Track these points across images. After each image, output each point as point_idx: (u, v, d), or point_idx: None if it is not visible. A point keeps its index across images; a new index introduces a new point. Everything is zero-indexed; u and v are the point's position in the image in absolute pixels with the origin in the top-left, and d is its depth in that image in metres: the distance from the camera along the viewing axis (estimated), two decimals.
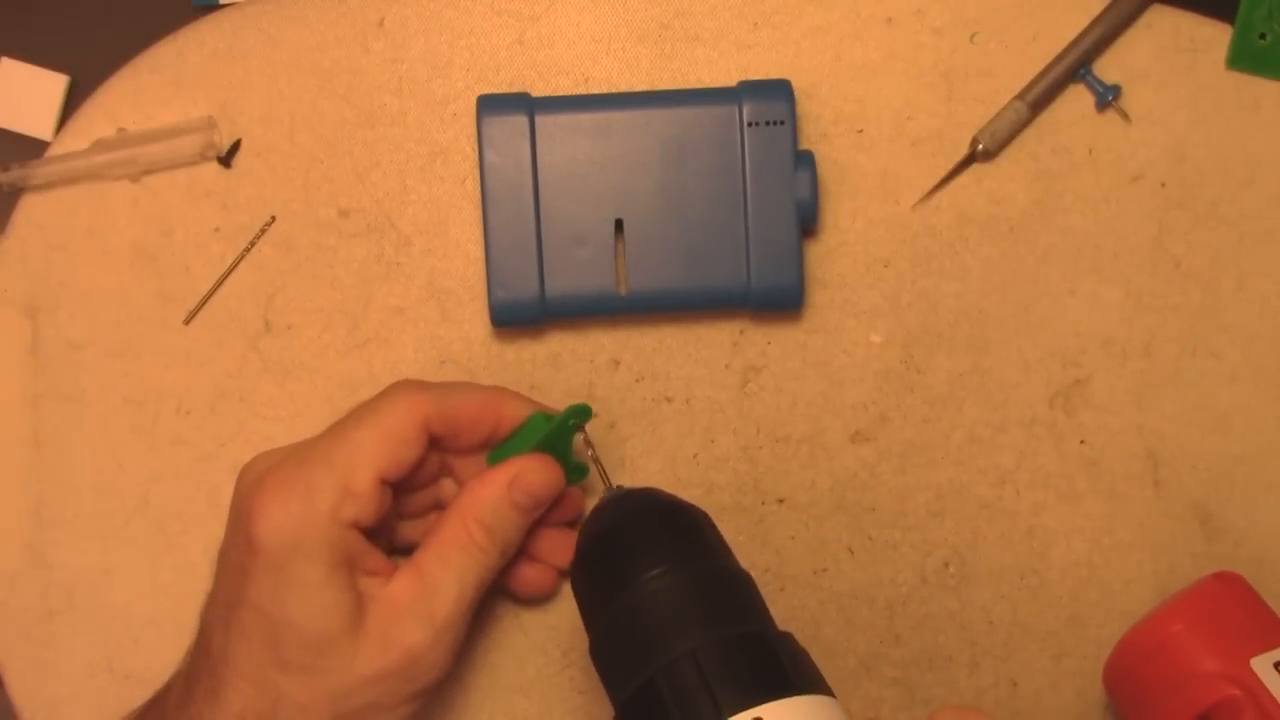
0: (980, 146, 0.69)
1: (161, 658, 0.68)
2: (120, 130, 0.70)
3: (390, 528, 0.65)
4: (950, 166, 0.70)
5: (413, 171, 0.70)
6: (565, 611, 0.69)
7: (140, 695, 0.64)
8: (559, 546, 0.66)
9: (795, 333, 0.70)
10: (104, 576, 0.69)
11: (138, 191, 0.70)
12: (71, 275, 0.70)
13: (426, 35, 0.70)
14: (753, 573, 0.57)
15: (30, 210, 0.70)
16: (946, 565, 0.69)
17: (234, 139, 0.70)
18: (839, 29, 0.70)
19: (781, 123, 0.67)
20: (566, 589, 0.68)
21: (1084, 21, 0.70)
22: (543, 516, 0.64)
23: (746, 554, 0.69)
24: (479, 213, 0.69)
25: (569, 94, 0.70)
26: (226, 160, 0.70)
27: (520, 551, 0.65)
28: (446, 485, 0.66)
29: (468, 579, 0.61)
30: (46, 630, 0.69)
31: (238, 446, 0.69)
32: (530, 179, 0.67)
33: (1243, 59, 0.70)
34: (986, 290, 0.70)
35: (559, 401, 0.65)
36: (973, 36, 0.70)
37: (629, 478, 0.69)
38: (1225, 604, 0.64)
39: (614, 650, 0.55)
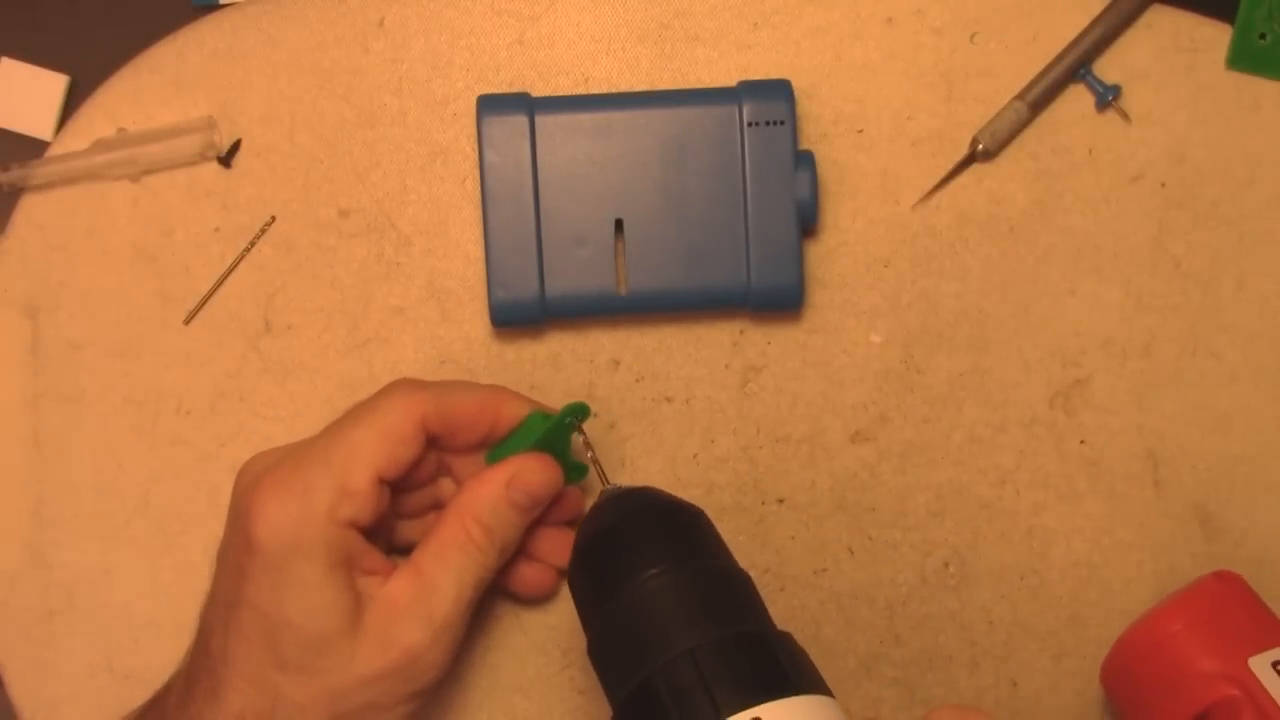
0: (980, 146, 0.69)
1: (161, 658, 0.68)
2: (120, 130, 0.70)
3: (389, 527, 0.65)
4: (950, 166, 0.70)
5: (413, 171, 0.70)
6: (565, 611, 0.69)
7: (140, 695, 0.64)
8: (558, 546, 0.66)
9: (795, 333, 0.70)
10: (104, 576, 0.69)
11: (138, 191, 0.70)
12: (71, 275, 0.70)
13: (426, 35, 0.70)
14: (753, 573, 0.57)
15: (30, 210, 0.70)
16: (946, 565, 0.69)
17: (234, 139, 0.70)
18: (839, 29, 0.70)
19: (781, 123, 0.67)
20: (566, 588, 0.68)
21: (1084, 21, 0.70)
22: (542, 516, 0.64)
23: (746, 554, 0.69)
24: (479, 213, 0.69)
25: (569, 94, 0.70)
26: (226, 160, 0.70)
27: (519, 551, 0.65)
28: (445, 485, 0.66)
29: (466, 578, 0.61)
30: (46, 630, 0.69)
31: (238, 446, 0.69)
32: (530, 179, 0.67)
33: (1243, 59, 0.70)
34: (986, 290, 0.70)
35: (559, 402, 0.65)
36: (973, 36, 0.70)
37: (629, 478, 0.69)
38: (1224, 603, 0.64)
39: (612, 650, 0.55)
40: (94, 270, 0.70)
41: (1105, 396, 0.70)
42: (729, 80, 0.69)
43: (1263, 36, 0.69)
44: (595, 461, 0.63)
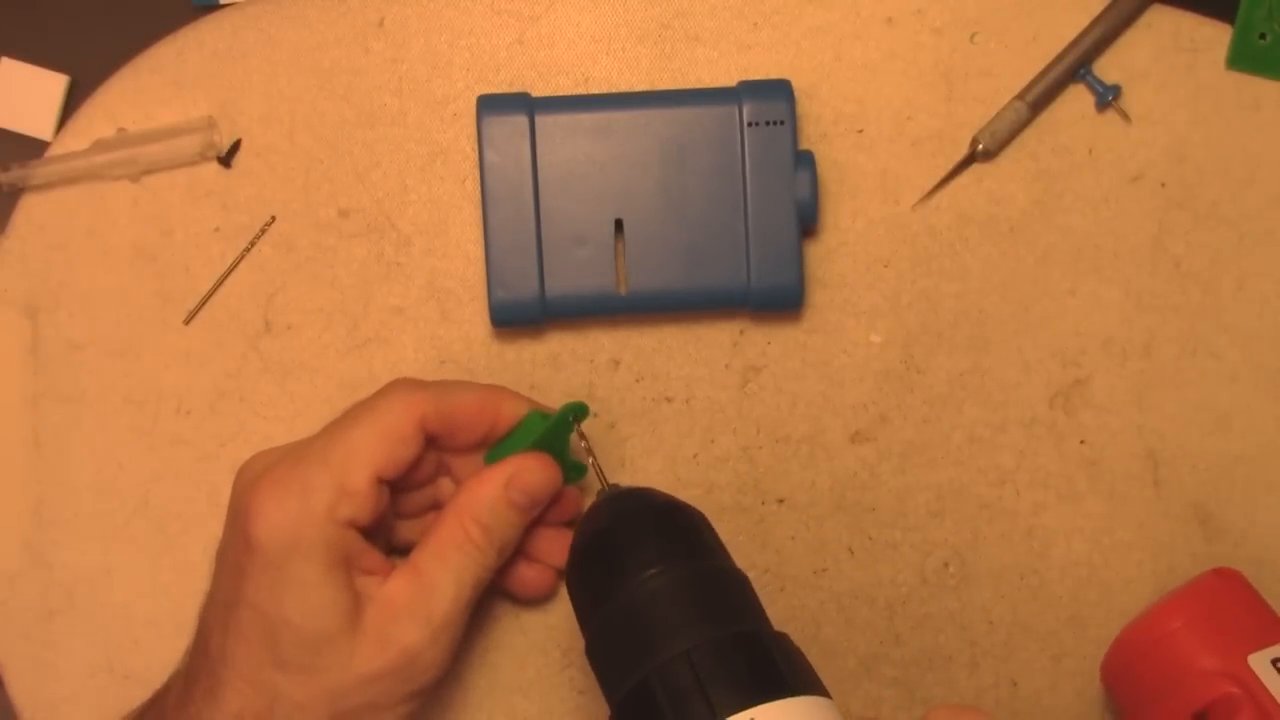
0: (980, 146, 0.69)
1: (161, 658, 0.68)
2: (120, 130, 0.70)
3: (388, 527, 0.65)
4: (950, 166, 0.70)
5: (413, 171, 0.70)
6: (564, 611, 0.69)
7: (140, 695, 0.64)
8: (557, 546, 0.66)
9: (795, 333, 0.70)
10: (104, 576, 0.69)
11: (138, 191, 0.70)
12: (71, 275, 0.70)
13: (426, 35, 0.70)
14: (752, 573, 0.57)
15: (30, 210, 0.70)
16: (946, 565, 0.69)
17: (234, 139, 0.70)
18: (839, 29, 0.70)
19: (781, 123, 0.67)
20: (565, 588, 0.68)
21: (1084, 21, 0.70)
22: (540, 516, 0.64)
23: (746, 554, 0.69)
24: (479, 213, 0.69)
25: (569, 94, 0.70)
26: (226, 160, 0.70)
27: (518, 552, 0.65)
28: (444, 485, 0.66)
29: (465, 578, 0.61)
30: (46, 630, 0.69)
31: (238, 446, 0.69)
32: (530, 179, 0.67)
33: (1243, 59, 0.70)
34: (986, 290, 0.70)
35: (559, 402, 0.65)
36: (973, 36, 0.70)
37: (629, 478, 0.69)
38: (1223, 600, 0.64)
39: (609, 650, 0.55)
40: (94, 270, 0.70)
41: (1105, 396, 0.70)
42: (729, 80, 0.69)
43: (1263, 36, 0.69)
44: (594, 461, 0.63)
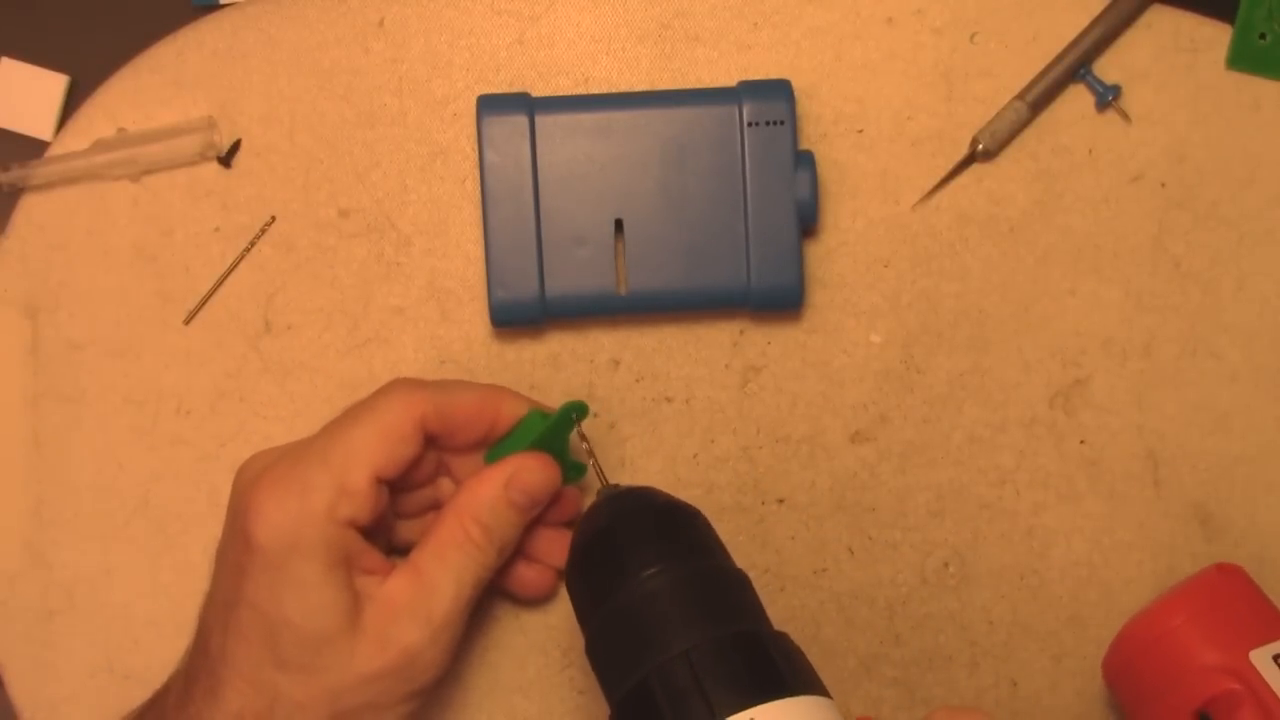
0: (980, 146, 0.69)
1: (161, 658, 0.68)
2: (120, 130, 0.70)
3: (388, 527, 0.65)
4: (950, 166, 0.70)
5: (413, 171, 0.70)
6: (564, 611, 0.69)
7: (140, 695, 0.64)
8: (557, 546, 0.66)
9: (795, 333, 0.70)
10: (104, 576, 0.69)
11: (138, 191, 0.70)
12: (71, 275, 0.70)
13: (426, 35, 0.70)
14: (752, 573, 0.57)
15: (30, 210, 0.70)
16: (946, 565, 0.69)
17: (234, 139, 0.70)
18: (839, 29, 0.70)
19: (781, 123, 0.67)
20: (565, 588, 0.68)
21: (1084, 21, 0.70)
22: (540, 516, 0.64)
23: (746, 554, 0.69)
24: (479, 213, 0.69)
25: (569, 94, 0.70)
26: (226, 160, 0.70)
27: (518, 552, 0.65)
28: (444, 485, 0.66)
29: (465, 578, 0.61)
30: (46, 630, 0.69)
31: (238, 446, 0.69)
32: (530, 179, 0.67)
33: (1243, 59, 0.70)
34: (986, 290, 0.70)
35: (559, 402, 0.65)
36: (973, 36, 0.70)
37: (629, 478, 0.69)
38: (1225, 596, 0.64)
39: (609, 650, 0.55)
40: (94, 270, 0.70)
41: (1105, 396, 0.70)
42: (729, 80, 0.69)
43: (1263, 36, 0.69)
44: (593, 460, 0.63)
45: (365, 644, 0.59)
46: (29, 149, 0.71)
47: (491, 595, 0.68)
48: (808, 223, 0.68)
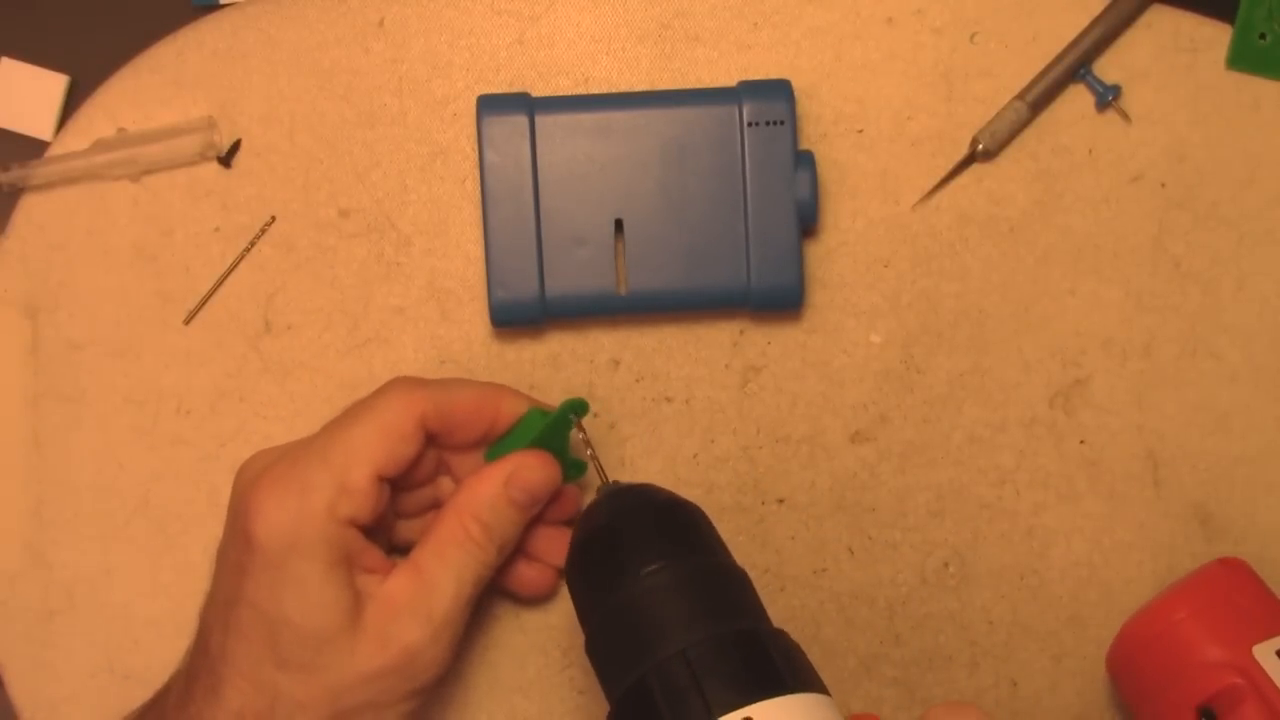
0: (980, 146, 0.69)
1: (161, 658, 0.68)
2: (120, 130, 0.70)
3: (389, 526, 0.65)
4: (950, 166, 0.70)
5: (413, 171, 0.70)
6: (565, 611, 0.69)
7: (140, 695, 0.64)
8: (557, 545, 0.66)
9: (795, 333, 0.70)
10: (104, 576, 0.69)
11: (138, 191, 0.70)
12: (71, 275, 0.70)
13: (426, 35, 0.70)
14: (752, 573, 0.57)
15: (30, 210, 0.70)
16: (946, 565, 0.69)
17: (234, 139, 0.70)
18: (839, 29, 0.70)
19: (781, 123, 0.67)
20: (565, 587, 0.68)
21: (1084, 21, 0.70)
22: (540, 514, 0.64)
23: (746, 554, 0.69)
24: (479, 213, 0.69)
25: (569, 94, 0.70)
26: (226, 160, 0.70)
27: (518, 550, 0.65)
28: (445, 484, 0.66)
29: (465, 576, 0.61)
30: (46, 630, 0.69)
31: (238, 446, 0.69)
32: (530, 179, 0.67)
33: (1243, 59, 0.70)
34: (986, 290, 0.70)
35: (558, 402, 0.65)
36: (973, 36, 0.70)
37: (629, 478, 0.69)
38: (1228, 590, 0.64)
39: (608, 647, 0.55)
40: (94, 270, 0.70)
41: (1105, 396, 0.70)
42: (729, 80, 0.69)
43: (1263, 36, 0.69)
44: (594, 458, 0.63)
45: (366, 643, 0.59)
46: (29, 149, 0.71)
47: (492, 594, 0.68)
48: (808, 223, 0.68)
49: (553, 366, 0.70)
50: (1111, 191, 0.70)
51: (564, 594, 0.68)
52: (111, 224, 0.70)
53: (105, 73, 0.70)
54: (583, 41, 0.70)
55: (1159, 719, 0.63)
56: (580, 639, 0.56)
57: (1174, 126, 0.70)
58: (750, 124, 0.67)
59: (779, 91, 0.68)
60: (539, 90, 0.70)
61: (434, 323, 0.70)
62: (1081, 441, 0.70)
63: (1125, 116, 0.70)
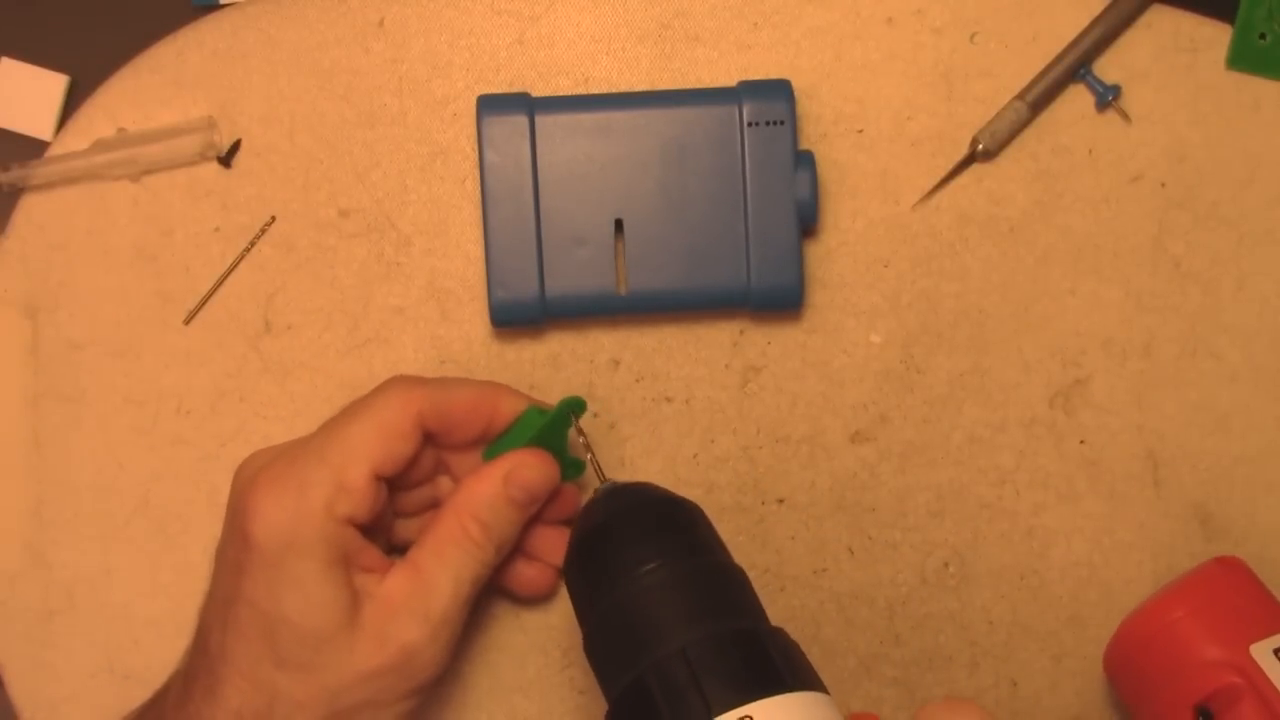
0: (980, 146, 0.69)
1: (161, 658, 0.68)
2: (120, 130, 0.70)
3: (387, 526, 0.65)
4: (950, 166, 0.70)
5: (413, 171, 0.70)
6: (564, 611, 0.69)
7: (140, 695, 0.64)
8: (556, 544, 0.66)
9: (795, 333, 0.70)
10: (104, 576, 0.69)
11: (138, 191, 0.70)
12: (71, 275, 0.70)
13: (426, 35, 0.70)
14: (752, 573, 0.57)
15: (30, 210, 0.70)
16: (946, 565, 0.69)
17: (234, 139, 0.70)
18: (839, 29, 0.70)
19: (781, 123, 0.67)
20: (565, 587, 0.68)
21: (1084, 21, 0.70)
22: (539, 514, 0.64)
23: (746, 554, 0.69)
24: (479, 213, 0.69)
25: (569, 94, 0.70)
26: (226, 160, 0.70)
27: (517, 550, 0.65)
28: (443, 483, 0.66)
29: (464, 575, 0.61)
30: (46, 630, 0.69)
31: (238, 446, 0.69)
32: (530, 179, 0.67)
33: (1243, 59, 0.70)
34: (986, 290, 0.70)
35: (557, 401, 0.65)
36: (973, 36, 0.70)
37: (629, 477, 0.68)
38: (1226, 589, 0.64)
39: (606, 646, 0.55)
40: (94, 270, 0.70)
41: (1105, 396, 0.70)
42: (729, 80, 0.69)
43: (1263, 36, 0.69)
44: (592, 457, 0.63)
45: (364, 641, 0.59)
46: (29, 149, 0.71)
47: (491, 594, 0.68)
48: (808, 223, 0.68)
49: (553, 366, 0.70)
50: (1111, 191, 0.70)
51: (564, 594, 0.68)
52: (111, 224, 0.70)
53: (105, 73, 0.70)
54: (583, 41, 0.70)
55: (1157, 718, 0.63)
56: (580, 638, 0.56)
57: (1174, 126, 0.70)
58: (750, 124, 0.67)
59: (779, 91, 0.68)
60: (539, 90, 0.70)
61: (434, 323, 0.70)
62: (1081, 441, 0.70)
63: (1125, 116, 0.70)
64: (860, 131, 0.70)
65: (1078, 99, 0.70)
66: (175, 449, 0.70)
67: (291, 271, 0.70)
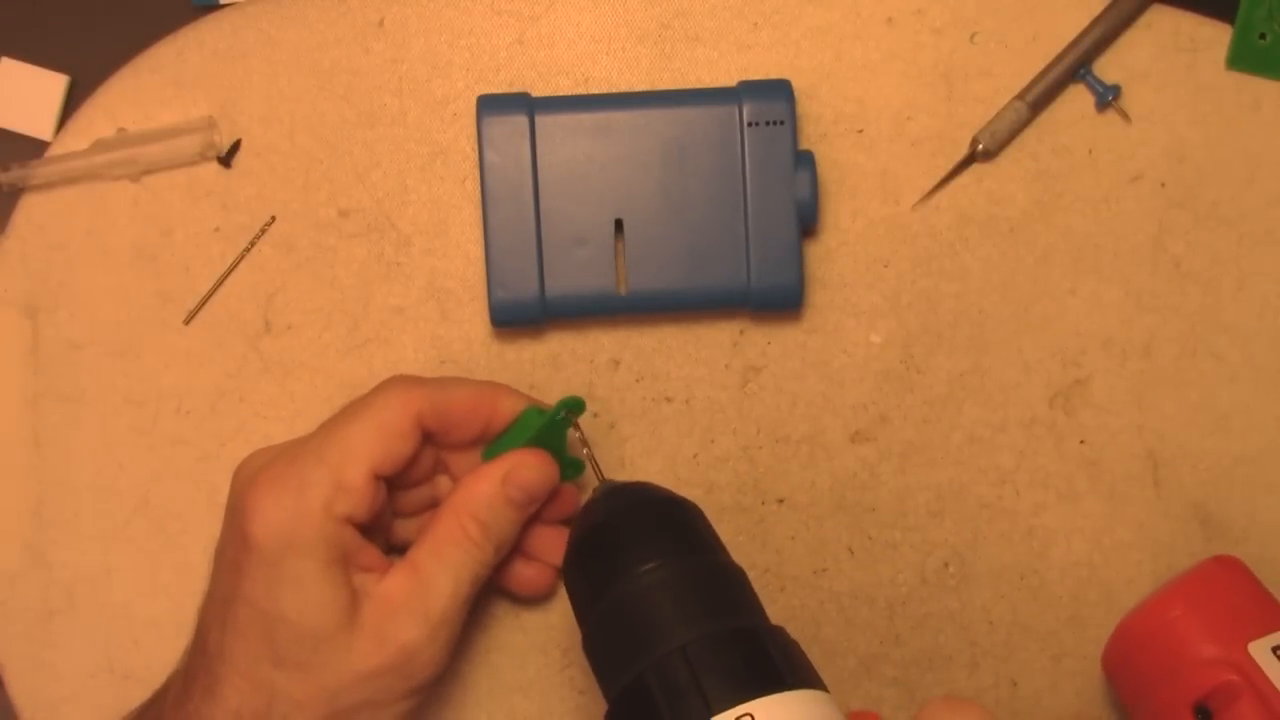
0: (980, 146, 0.69)
1: (161, 658, 0.68)
2: (120, 130, 0.70)
3: (386, 525, 0.65)
4: (950, 166, 0.70)
5: (413, 171, 0.70)
6: (564, 611, 0.69)
7: (140, 695, 0.64)
8: (555, 544, 0.66)
9: (795, 333, 0.70)
10: (104, 576, 0.69)
11: (138, 191, 0.70)
12: (71, 275, 0.70)
13: (426, 35, 0.70)
14: (752, 573, 0.57)
15: (30, 210, 0.70)
16: (946, 565, 0.69)
17: (234, 139, 0.70)
18: (839, 29, 0.70)
19: (781, 123, 0.67)
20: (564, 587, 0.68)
21: (1084, 21, 0.70)
22: (538, 514, 0.64)
23: (746, 554, 0.69)
24: (479, 213, 0.69)
25: (569, 94, 0.70)
26: (226, 160, 0.70)
27: (517, 550, 0.65)
28: (442, 482, 0.66)
29: (463, 575, 0.61)
30: (46, 630, 0.69)
31: (238, 446, 0.69)
32: (530, 179, 0.67)
33: (1243, 59, 0.70)
34: (986, 290, 0.70)
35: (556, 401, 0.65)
36: (973, 36, 0.70)
37: (629, 478, 0.68)
38: (1223, 588, 0.64)
39: (606, 646, 0.55)
40: (94, 270, 0.70)
41: (1105, 396, 0.70)
42: (729, 80, 0.69)
43: (1263, 36, 0.69)
44: (590, 456, 0.63)
45: (363, 641, 0.59)
46: (29, 149, 0.71)
47: (491, 594, 0.68)
48: (808, 223, 0.68)
49: (553, 366, 0.70)
50: (1111, 191, 0.70)
51: (563, 594, 0.68)
52: (111, 224, 0.70)
53: (105, 73, 0.70)
54: (583, 41, 0.70)
55: (1155, 717, 0.63)
56: (580, 638, 0.56)
57: (1174, 126, 0.70)
58: (750, 124, 0.67)
59: (779, 91, 0.68)
60: (539, 90, 0.70)
61: (434, 323, 0.70)
62: (1081, 441, 0.70)
63: (1125, 116, 0.70)
64: (860, 131, 0.70)
65: (1078, 99, 0.70)
66: (175, 449, 0.70)
67: (291, 271, 0.70)
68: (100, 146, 0.69)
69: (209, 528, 0.68)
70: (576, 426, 0.64)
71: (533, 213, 0.67)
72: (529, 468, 0.62)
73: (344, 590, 0.59)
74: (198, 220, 0.70)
